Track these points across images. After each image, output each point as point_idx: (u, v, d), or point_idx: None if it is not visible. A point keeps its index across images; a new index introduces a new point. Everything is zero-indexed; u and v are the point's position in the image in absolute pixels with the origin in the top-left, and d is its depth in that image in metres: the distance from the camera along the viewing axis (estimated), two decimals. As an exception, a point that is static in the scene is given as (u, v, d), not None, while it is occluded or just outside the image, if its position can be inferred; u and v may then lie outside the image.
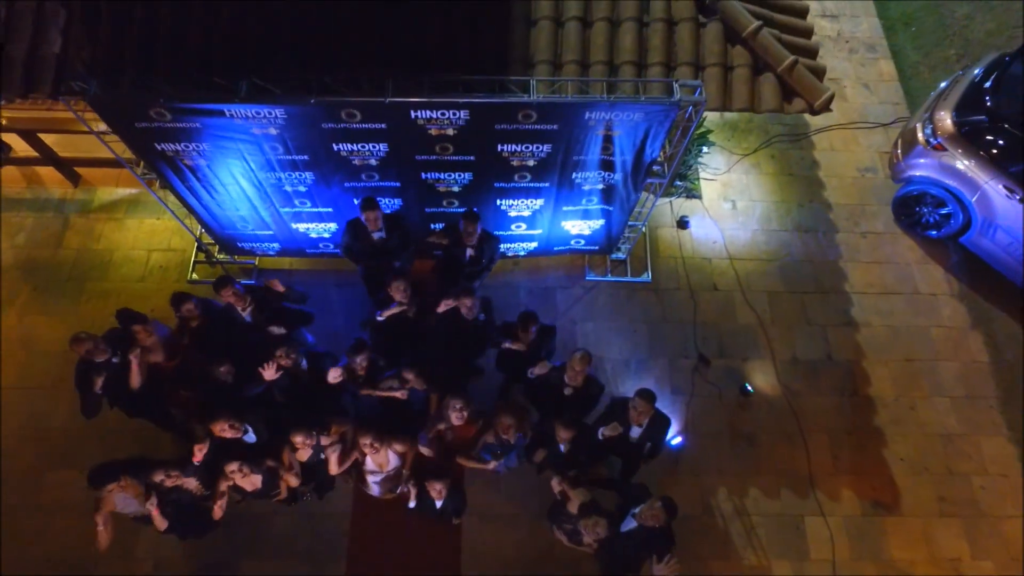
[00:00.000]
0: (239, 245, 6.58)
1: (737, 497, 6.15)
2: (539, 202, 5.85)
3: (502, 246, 6.41)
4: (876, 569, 5.93)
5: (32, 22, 4.92)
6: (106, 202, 7.29)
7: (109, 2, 4.90)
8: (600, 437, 4.99)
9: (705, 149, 7.47)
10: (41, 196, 7.29)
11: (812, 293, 7.08)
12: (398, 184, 5.56)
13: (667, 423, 5.12)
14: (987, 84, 6.54)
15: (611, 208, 6.03)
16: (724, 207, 7.51)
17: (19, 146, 7.12)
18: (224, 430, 4.66)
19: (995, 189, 6.41)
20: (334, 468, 4.91)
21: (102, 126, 5.00)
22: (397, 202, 5.78)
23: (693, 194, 7.51)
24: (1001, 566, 5.96)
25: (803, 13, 5.57)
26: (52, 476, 6.01)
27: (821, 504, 6.14)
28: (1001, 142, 6.33)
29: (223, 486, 4.75)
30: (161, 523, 4.60)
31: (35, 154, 7.01)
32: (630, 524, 4.54)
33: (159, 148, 5.09)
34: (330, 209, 5.90)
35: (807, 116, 7.59)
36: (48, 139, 6.91)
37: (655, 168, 5.60)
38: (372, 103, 4.61)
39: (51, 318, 6.67)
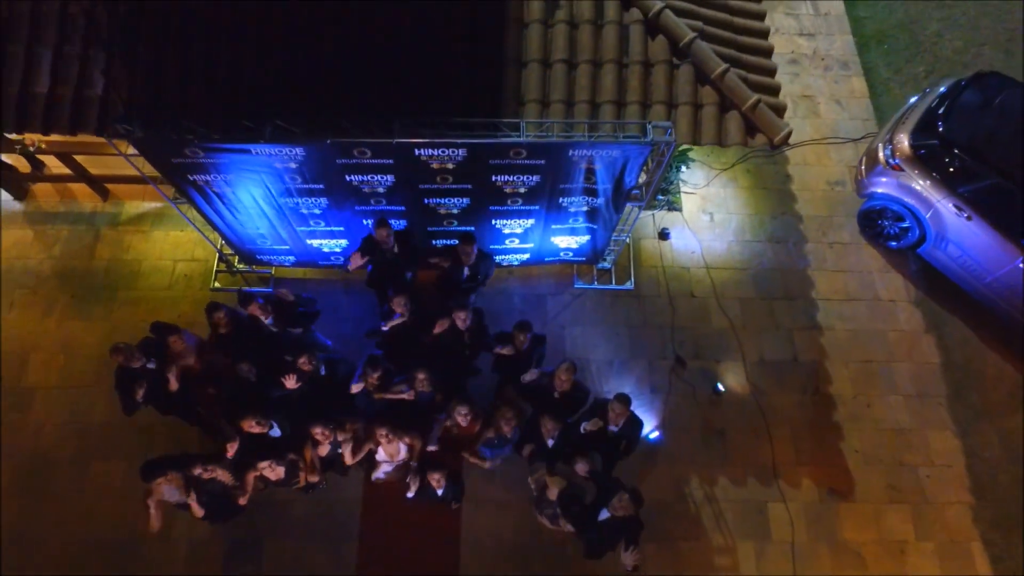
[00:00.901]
0: (258, 257, 7.23)
1: (708, 485, 6.86)
2: (530, 221, 6.49)
3: (497, 257, 7.09)
4: (830, 550, 6.65)
5: (77, 66, 5.53)
6: (133, 215, 7.93)
7: (145, 48, 5.51)
8: (583, 431, 5.68)
9: (684, 168, 8.08)
10: (74, 210, 7.92)
11: (781, 299, 7.74)
12: (403, 208, 6.19)
13: (640, 424, 5.82)
14: (940, 110, 7.13)
15: (595, 226, 6.66)
16: (703, 219, 8.14)
17: (52, 163, 7.75)
18: (252, 426, 5.35)
19: (946, 207, 7.04)
20: (349, 459, 5.62)
21: (131, 149, 5.61)
22: (402, 222, 6.41)
23: (674, 207, 8.14)
24: (942, 546, 6.68)
25: (768, 53, 6.15)
26: (95, 466, 6.71)
27: (783, 491, 6.84)
28: (951, 165, 6.95)
29: (251, 478, 5.45)
30: (199, 512, 5.31)
31: (67, 171, 7.63)
32: (605, 514, 5.24)
33: (191, 178, 5.72)
34: (341, 228, 6.54)
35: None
36: (79, 157, 7.52)
37: (634, 193, 6.23)
38: (381, 143, 5.23)
39: (87, 323, 7.34)
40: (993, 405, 7.30)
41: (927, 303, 7.78)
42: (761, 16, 6.31)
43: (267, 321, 5.94)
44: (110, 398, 6.72)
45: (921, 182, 7.14)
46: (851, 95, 9.06)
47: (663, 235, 7.97)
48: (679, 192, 8.21)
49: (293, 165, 5.52)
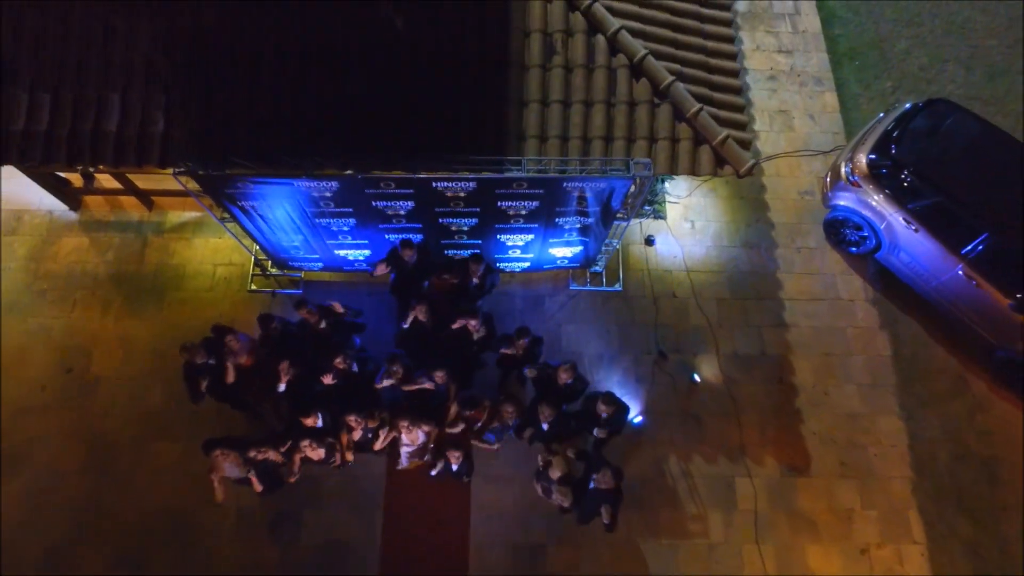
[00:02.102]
0: (290, 263, 8.20)
1: (684, 462, 7.92)
2: (530, 236, 7.44)
3: (501, 264, 8.07)
4: (788, 517, 7.72)
5: (141, 108, 6.43)
6: (176, 224, 8.87)
7: (197, 90, 6.40)
8: (592, 484, 6.46)
9: (669, 180, 9.00)
10: (123, 219, 8.87)
11: (753, 299, 8.72)
12: (420, 226, 7.15)
13: (627, 410, 6.85)
14: (895, 134, 8.03)
15: (587, 239, 7.62)
16: (685, 226, 9.08)
17: (102, 177, 8.66)
18: (312, 422, 6.39)
19: (897, 220, 7.98)
20: (379, 444, 6.67)
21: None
22: (419, 237, 7.36)
23: (659, 215, 9.07)
24: (884, 514, 7.76)
25: (737, 90, 7.02)
26: (154, 446, 7.77)
27: (749, 468, 7.90)
28: (902, 184, 7.88)
29: (298, 459, 6.51)
30: (259, 487, 6.37)
31: (117, 185, 8.55)
32: (592, 486, 6.30)
33: (239, 203, 6.66)
34: (365, 241, 7.51)
35: (758, 144, 9.22)
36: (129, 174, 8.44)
37: (620, 213, 7.18)
38: (404, 178, 6.17)
39: (141, 320, 8.35)
40: (936, 393, 8.33)
41: (883, 302, 8.76)
42: (733, 56, 7.17)
43: (321, 326, 6.91)
44: (164, 386, 7.86)
45: (876, 197, 8.07)
46: (823, 110, 9.92)
47: (649, 241, 8.91)
48: (664, 202, 9.14)
49: (328, 194, 6.46)
